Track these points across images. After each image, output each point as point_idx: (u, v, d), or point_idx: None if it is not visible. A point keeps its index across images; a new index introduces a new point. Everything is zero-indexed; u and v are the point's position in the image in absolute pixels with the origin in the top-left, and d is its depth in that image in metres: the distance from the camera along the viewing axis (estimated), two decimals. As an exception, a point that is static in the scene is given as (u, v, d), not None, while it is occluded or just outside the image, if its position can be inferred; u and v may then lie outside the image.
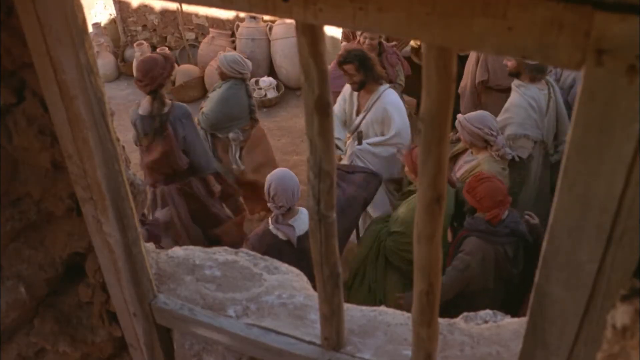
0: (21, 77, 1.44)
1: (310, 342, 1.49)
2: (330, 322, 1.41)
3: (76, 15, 1.18)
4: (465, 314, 1.54)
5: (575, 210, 0.88)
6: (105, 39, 7.72)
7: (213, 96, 4.82)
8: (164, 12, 7.96)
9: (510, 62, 4.15)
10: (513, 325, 1.47)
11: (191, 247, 1.88)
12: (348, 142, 4.45)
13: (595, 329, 0.99)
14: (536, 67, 3.97)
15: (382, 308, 1.60)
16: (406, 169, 3.74)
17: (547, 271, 0.99)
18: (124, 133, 5.48)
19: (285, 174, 3.38)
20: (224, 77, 4.76)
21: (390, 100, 4.25)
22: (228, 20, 7.50)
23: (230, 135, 4.80)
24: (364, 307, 1.60)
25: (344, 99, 4.52)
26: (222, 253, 1.84)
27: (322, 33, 1.00)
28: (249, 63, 4.85)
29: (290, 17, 0.91)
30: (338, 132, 4.44)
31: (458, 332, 1.47)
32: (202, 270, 1.75)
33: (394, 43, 5.19)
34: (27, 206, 1.65)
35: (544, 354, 1.10)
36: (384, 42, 4.87)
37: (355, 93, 4.40)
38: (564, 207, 0.89)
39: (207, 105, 4.81)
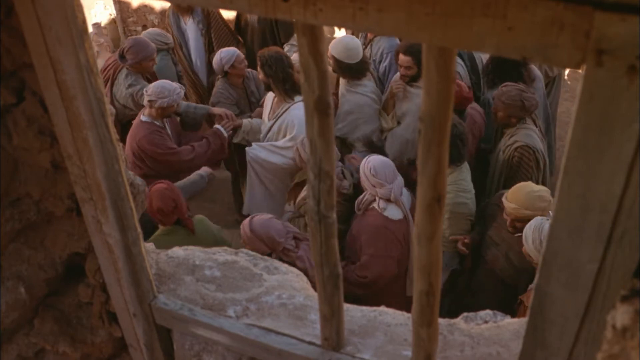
0: (21, 77, 1.44)
1: (310, 343, 1.49)
2: (330, 322, 1.41)
3: (76, 15, 1.18)
4: (465, 314, 1.54)
5: (575, 211, 0.88)
6: (105, 39, 7.71)
7: None
8: (164, 12, 7.95)
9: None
10: (513, 326, 1.47)
11: (191, 247, 1.88)
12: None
13: (596, 329, 0.99)
14: (356, 69, 4.14)
15: (382, 308, 1.60)
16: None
17: (547, 271, 0.99)
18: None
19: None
20: None
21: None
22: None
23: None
24: (364, 308, 1.60)
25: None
26: (222, 253, 1.84)
27: (322, 33, 0.99)
28: (169, 35, 5.10)
29: (291, 17, 0.91)
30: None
31: (458, 333, 1.47)
32: (202, 271, 1.75)
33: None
34: (27, 206, 1.65)
35: (544, 354, 1.10)
36: None
37: (272, 96, 4.20)
38: (564, 207, 0.89)
39: None
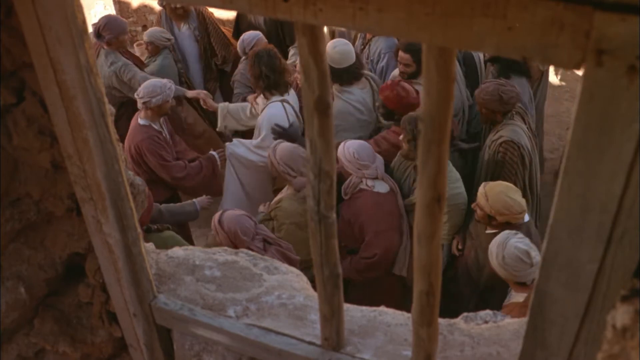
0: (21, 77, 1.44)
1: (310, 343, 1.49)
2: (330, 322, 1.41)
3: (76, 15, 1.18)
4: (465, 314, 1.54)
5: (575, 211, 0.88)
6: (105, 39, 7.69)
7: (152, 69, 4.98)
8: (164, 13, 7.94)
9: None
10: (513, 326, 1.47)
11: (191, 247, 1.88)
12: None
13: (596, 329, 0.99)
14: (337, 74, 3.97)
15: (382, 308, 1.60)
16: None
17: (547, 271, 0.99)
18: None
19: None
20: (156, 50, 5.05)
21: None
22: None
23: None
24: (364, 308, 1.60)
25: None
26: (222, 253, 1.84)
27: (322, 33, 0.99)
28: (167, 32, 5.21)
29: (290, 17, 0.91)
30: None
31: (458, 333, 1.47)
32: (202, 271, 1.75)
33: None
34: (27, 206, 1.65)
35: (544, 354, 1.10)
36: None
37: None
38: (564, 207, 0.89)
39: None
